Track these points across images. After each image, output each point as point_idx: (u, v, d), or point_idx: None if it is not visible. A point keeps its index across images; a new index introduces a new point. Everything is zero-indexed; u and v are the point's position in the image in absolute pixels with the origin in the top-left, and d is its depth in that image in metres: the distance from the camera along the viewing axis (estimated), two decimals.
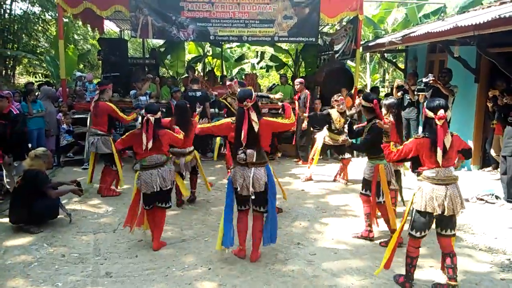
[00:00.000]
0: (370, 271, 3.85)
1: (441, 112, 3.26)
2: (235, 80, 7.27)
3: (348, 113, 6.71)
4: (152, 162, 4.20)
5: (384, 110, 5.04)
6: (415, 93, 7.14)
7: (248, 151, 3.76)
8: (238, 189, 3.85)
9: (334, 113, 6.84)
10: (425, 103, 3.47)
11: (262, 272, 3.82)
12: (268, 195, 3.95)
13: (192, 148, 5.61)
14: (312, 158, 7.00)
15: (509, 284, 3.64)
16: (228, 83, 7.20)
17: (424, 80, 6.92)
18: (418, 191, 3.41)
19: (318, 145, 6.94)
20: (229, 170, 6.95)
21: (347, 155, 6.85)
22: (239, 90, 4.02)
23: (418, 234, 3.44)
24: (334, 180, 7.05)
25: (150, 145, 4.10)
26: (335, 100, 6.82)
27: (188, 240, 4.56)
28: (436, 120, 3.27)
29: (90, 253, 4.23)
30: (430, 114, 3.34)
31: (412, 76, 7.96)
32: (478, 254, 4.26)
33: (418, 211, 3.40)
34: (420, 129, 7.87)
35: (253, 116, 3.77)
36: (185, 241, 4.54)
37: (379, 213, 4.63)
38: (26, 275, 3.75)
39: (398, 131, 4.92)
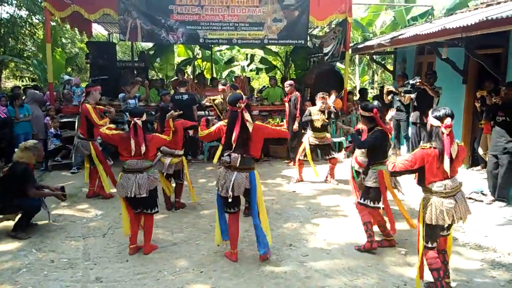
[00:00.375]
0: (363, 271, 3.85)
1: (447, 120, 3.18)
2: (228, 85, 7.25)
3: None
4: (131, 166, 4.09)
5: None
6: (402, 94, 7.21)
7: (233, 155, 3.80)
8: (220, 189, 3.92)
9: (313, 110, 6.80)
10: (429, 112, 3.37)
11: (255, 274, 3.80)
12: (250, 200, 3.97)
13: (181, 152, 5.54)
14: (300, 160, 6.97)
15: (499, 281, 3.67)
16: (220, 87, 7.18)
17: (411, 82, 7.02)
18: (427, 205, 3.30)
19: (306, 147, 6.91)
20: None
21: (334, 155, 6.87)
22: (231, 95, 4.00)
23: (433, 245, 3.38)
24: (325, 181, 7.06)
25: (143, 149, 4.04)
26: (321, 97, 6.74)
27: (179, 244, 4.51)
28: (443, 129, 3.19)
29: (79, 258, 4.16)
30: (436, 123, 3.25)
31: (401, 77, 8.05)
32: (468, 252, 4.29)
33: (428, 225, 3.32)
34: (410, 130, 7.95)
35: (247, 116, 3.80)
36: (176, 244, 4.50)
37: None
38: (15, 281, 3.68)
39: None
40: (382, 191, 4.29)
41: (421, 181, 3.38)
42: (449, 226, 3.39)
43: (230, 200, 3.86)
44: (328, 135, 6.93)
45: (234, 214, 4.04)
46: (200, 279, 3.72)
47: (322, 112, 6.73)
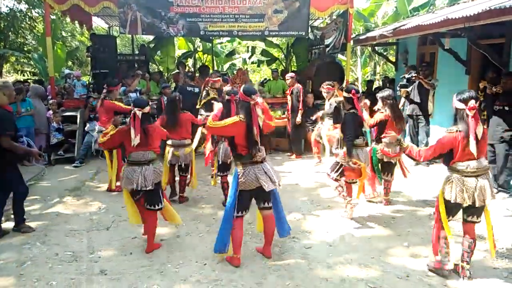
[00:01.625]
0: (365, 263, 3.87)
1: (471, 102, 3.26)
2: (218, 78, 7.12)
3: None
4: (136, 158, 4.02)
5: (380, 103, 5.15)
6: (397, 88, 7.21)
7: (262, 147, 3.73)
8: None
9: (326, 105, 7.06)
10: (454, 96, 3.43)
11: (258, 266, 3.81)
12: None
13: (190, 141, 5.57)
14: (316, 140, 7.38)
15: (502, 272, 3.69)
16: (214, 79, 7.07)
17: (407, 76, 7.02)
18: (448, 182, 3.46)
19: (323, 139, 7.05)
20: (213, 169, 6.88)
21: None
22: (245, 86, 3.85)
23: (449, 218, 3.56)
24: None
25: (137, 140, 3.93)
26: (322, 87, 7.05)
27: (182, 236, 4.54)
28: (467, 111, 3.27)
29: (84, 251, 4.19)
30: (461, 105, 3.32)
31: (410, 69, 8.02)
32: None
33: (447, 201, 3.46)
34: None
35: (258, 111, 3.70)
36: (179, 237, 4.52)
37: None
38: (20, 274, 3.70)
39: (397, 123, 5.00)
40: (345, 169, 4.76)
41: (446, 161, 3.51)
42: (474, 212, 3.46)
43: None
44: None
45: (242, 218, 3.88)
46: (203, 271, 3.74)
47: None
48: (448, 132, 3.44)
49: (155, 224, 4.21)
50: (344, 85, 9.50)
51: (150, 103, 4.33)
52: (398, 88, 7.22)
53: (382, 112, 5.14)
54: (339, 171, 4.86)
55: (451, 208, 3.51)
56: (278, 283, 3.52)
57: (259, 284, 3.52)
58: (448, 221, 3.53)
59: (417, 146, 7.38)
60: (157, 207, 4.14)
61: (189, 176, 5.71)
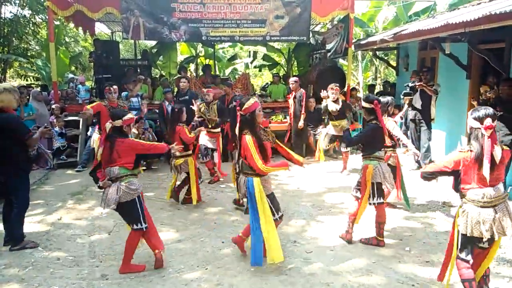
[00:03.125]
0: (367, 268, 3.87)
1: (488, 121, 2.91)
2: (209, 89, 7.10)
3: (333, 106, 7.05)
4: (107, 175, 3.75)
5: None
6: (401, 96, 7.22)
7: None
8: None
9: (329, 103, 7.13)
10: (469, 113, 3.09)
11: (259, 271, 3.81)
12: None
13: (183, 153, 5.47)
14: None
15: (504, 277, 3.68)
16: (203, 90, 7.10)
17: (410, 84, 7.04)
18: (462, 214, 3.07)
19: (320, 144, 7.41)
20: (215, 176, 6.88)
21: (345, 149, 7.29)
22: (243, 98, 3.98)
23: (467, 257, 3.11)
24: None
25: (99, 152, 3.73)
26: (331, 88, 7.13)
27: (184, 241, 4.54)
28: (483, 131, 2.92)
29: (85, 255, 4.20)
30: (476, 124, 2.97)
31: (415, 74, 8.05)
32: None
33: (463, 235, 3.08)
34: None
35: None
36: (181, 241, 4.53)
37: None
38: (21, 279, 3.72)
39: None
40: (362, 185, 4.30)
41: (456, 187, 3.15)
42: (490, 241, 3.07)
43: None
44: (345, 121, 7.26)
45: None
46: (205, 276, 3.74)
47: (335, 101, 7.09)
48: (460, 150, 3.09)
49: (131, 244, 3.83)
50: (345, 89, 9.55)
51: (129, 115, 3.90)
52: (402, 96, 7.25)
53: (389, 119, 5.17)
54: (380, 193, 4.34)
55: (467, 244, 3.10)
56: None
57: None
58: (467, 260, 3.10)
59: (419, 150, 7.39)
60: (135, 227, 3.77)
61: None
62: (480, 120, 2.96)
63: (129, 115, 3.90)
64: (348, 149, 7.32)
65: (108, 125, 3.79)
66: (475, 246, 3.12)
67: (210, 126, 6.74)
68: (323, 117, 8.00)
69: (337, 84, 7.24)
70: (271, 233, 3.71)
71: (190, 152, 5.67)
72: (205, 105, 6.74)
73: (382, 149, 4.46)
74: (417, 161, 7.46)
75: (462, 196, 3.10)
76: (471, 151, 3.00)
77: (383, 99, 5.15)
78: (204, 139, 6.73)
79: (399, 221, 5.07)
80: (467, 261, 3.10)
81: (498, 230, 2.95)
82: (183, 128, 5.50)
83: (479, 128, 2.96)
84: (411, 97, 7.21)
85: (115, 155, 3.71)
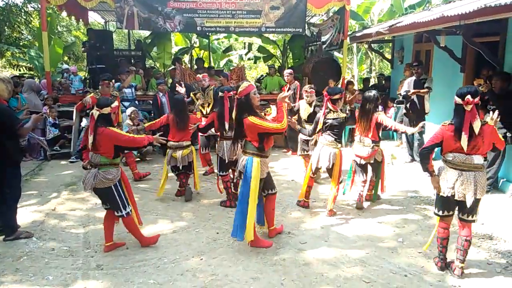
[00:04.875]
0: (360, 259, 3.91)
1: (468, 97, 3.29)
2: (205, 74, 7.09)
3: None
4: (90, 159, 3.89)
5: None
6: (395, 105, 7.24)
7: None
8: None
9: (302, 104, 6.45)
10: (456, 91, 3.46)
11: (253, 261, 3.84)
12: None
13: (189, 142, 5.58)
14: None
15: (495, 268, 3.73)
16: (198, 76, 7.04)
17: (403, 93, 7.07)
18: (439, 173, 3.57)
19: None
20: (211, 167, 6.90)
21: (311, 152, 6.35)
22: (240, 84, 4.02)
23: (440, 213, 3.61)
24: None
25: (90, 140, 3.78)
26: (305, 91, 6.40)
27: (179, 232, 4.55)
28: (464, 106, 3.31)
29: (80, 246, 4.20)
30: (459, 100, 3.37)
31: (408, 66, 8.06)
32: None
33: (438, 195, 3.59)
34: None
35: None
36: (176, 232, 4.54)
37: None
38: (16, 269, 3.71)
39: (362, 124, 5.03)
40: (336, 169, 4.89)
41: (440, 152, 3.59)
42: (464, 209, 3.48)
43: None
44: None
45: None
46: (200, 266, 3.76)
47: (309, 104, 6.36)
48: (442, 124, 3.51)
49: (130, 227, 4.06)
50: (340, 82, 9.56)
51: (115, 103, 4.03)
52: (395, 105, 7.28)
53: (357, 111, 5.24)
54: None
55: (443, 201, 3.56)
56: (273, 278, 3.55)
57: (255, 279, 3.55)
58: (445, 216, 3.61)
59: (412, 142, 7.44)
60: (117, 214, 3.94)
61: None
62: (462, 96, 3.33)
63: (116, 103, 4.07)
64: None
65: (96, 113, 3.83)
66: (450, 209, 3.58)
67: (205, 112, 6.74)
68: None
69: (313, 87, 6.55)
70: (251, 213, 3.91)
71: (190, 143, 5.66)
72: (201, 91, 6.73)
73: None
74: (411, 154, 7.52)
75: (443, 161, 3.55)
76: (451, 124, 3.42)
77: (368, 93, 5.08)
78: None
79: (393, 213, 5.12)
80: (442, 217, 3.62)
81: (458, 191, 3.39)
82: (194, 116, 5.64)
83: (461, 104, 3.33)
84: (404, 105, 7.30)
85: (97, 143, 3.80)
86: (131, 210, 4.02)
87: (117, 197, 3.90)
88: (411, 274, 3.62)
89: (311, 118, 6.19)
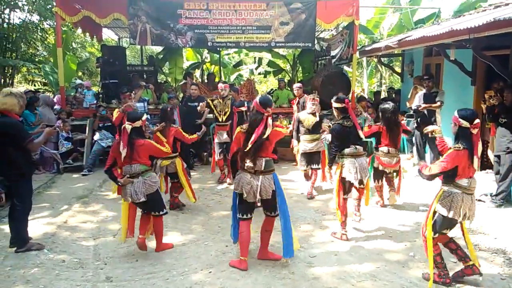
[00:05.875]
0: (370, 273, 3.86)
1: (477, 121, 3.32)
2: (226, 84, 7.38)
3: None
4: (126, 172, 4.13)
5: (380, 114, 5.28)
6: (405, 119, 7.22)
7: (259, 159, 3.82)
8: (245, 195, 3.83)
9: (302, 115, 6.43)
10: (456, 112, 3.47)
11: (262, 274, 3.82)
12: (277, 202, 3.95)
13: (172, 154, 5.28)
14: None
15: (509, 283, 3.65)
16: (220, 85, 7.32)
17: (413, 107, 7.06)
18: (447, 198, 3.44)
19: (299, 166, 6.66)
20: (223, 173, 7.00)
21: (317, 166, 6.38)
22: (260, 96, 4.05)
23: (444, 231, 3.57)
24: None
25: (124, 152, 4.01)
26: (312, 99, 6.37)
27: (188, 244, 4.56)
28: (472, 130, 3.34)
29: (90, 258, 4.23)
30: (465, 123, 3.35)
31: (418, 79, 8.05)
32: (478, 254, 4.27)
33: (444, 216, 3.47)
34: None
35: (270, 121, 3.83)
36: (185, 245, 4.55)
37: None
38: (26, 280, 3.75)
39: (391, 136, 5.22)
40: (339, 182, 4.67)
41: (448, 178, 3.47)
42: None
43: (258, 204, 3.98)
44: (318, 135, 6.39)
45: (247, 221, 3.97)
46: (209, 279, 3.76)
47: (313, 114, 6.33)
48: (455, 149, 3.40)
49: (160, 229, 4.37)
50: (350, 95, 9.57)
51: (145, 116, 4.38)
52: (405, 119, 7.27)
53: (378, 124, 5.32)
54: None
55: (444, 224, 3.51)
56: None
57: None
58: (444, 233, 3.59)
59: (424, 156, 7.38)
60: (159, 213, 4.28)
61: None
62: (469, 120, 3.34)
63: (145, 116, 4.34)
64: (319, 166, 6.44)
65: (128, 127, 4.06)
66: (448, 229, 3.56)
67: (221, 120, 6.91)
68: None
69: (318, 96, 6.69)
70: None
71: (177, 154, 5.61)
72: (219, 99, 6.91)
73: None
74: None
75: (453, 184, 3.44)
76: (465, 149, 3.35)
77: (384, 105, 5.26)
78: None
79: (403, 226, 5.06)
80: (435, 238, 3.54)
81: (469, 214, 3.42)
82: (178, 129, 5.52)
83: (468, 128, 3.34)
84: (414, 119, 7.29)
85: (135, 155, 4.09)
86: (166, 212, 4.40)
87: (160, 197, 4.29)
88: None
89: (316, 128, 6.32)
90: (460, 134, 3.42)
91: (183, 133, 5.55)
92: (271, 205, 3.99)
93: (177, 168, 5.51)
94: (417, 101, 7.29)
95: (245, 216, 3.96)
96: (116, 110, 6.23)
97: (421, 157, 7.49)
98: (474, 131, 3.33)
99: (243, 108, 5.56)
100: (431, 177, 3.58)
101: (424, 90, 7.30)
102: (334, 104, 4.75)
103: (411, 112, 7.28)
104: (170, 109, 5.59)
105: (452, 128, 3.55)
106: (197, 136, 5.73)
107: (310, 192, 6.34)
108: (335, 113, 4.82)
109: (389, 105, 5.34)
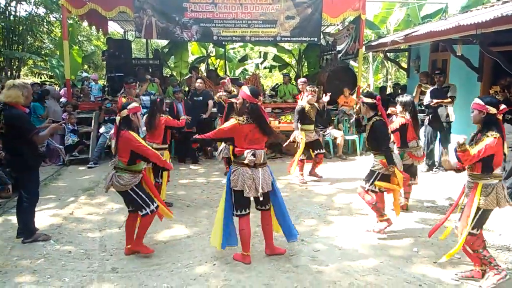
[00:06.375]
0: (374, 268, 3.87)
1: (503, 106, 3.31)
2: (228, 78, 7.41)
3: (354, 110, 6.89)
4: (113, 164, 4.02)
5: (399, 107, 5.16)
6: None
7: (258, 151, 3.76)
8: (247, 190, 3.75)
9: (306, 105, 6.74)
10: (479, 100, 3.41)
11: (266, 267, 3.85)
12: (272, 193, 3.97)
13: (161, 146, 5.32)
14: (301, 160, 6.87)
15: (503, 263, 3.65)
16: (222, 81, 7.40)
17: (425, 103, 7.01)
18: (491, 191, 3.33)
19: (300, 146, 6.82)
20: (227, 167, 7.03)
21: (322, 150, 6.89)
22: (246, 88, 3.89)
23: (479, 231, 3.41)
24: (310, 174, 7.17)
25: (113, 144, 3.93)
26: (312, 91, 6.69)
27: (193, 237, 4.60)
28: (499, 116, 3.32)
29: (96, 249, 4.28)
30: (493, 110, 3.31)
31: (424, 75, 8.00)
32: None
33: (485, 210, 3.36)
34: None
35: (264, 110, 3.84)
36: (190, 237, 4.59)
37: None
38: (33, 270, 3.80)
39: (415, 129, 5.07)
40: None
41: (487, 169, 3.36)
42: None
43: (261, 198, 3.79)
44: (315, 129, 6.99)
45: (246, 216, 3.92)
46: (213, 271, 3.79)
47: (311, 105, 6.70)
48: (493, 136, 3.29)
49: (142, 226, 4.05)
50: (355, 90, 9.55)
51: (133, 104, 4.01)
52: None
53: (403, 117, 5.14)
54: (373, 181, 4.54)
55: (484, 218, 3.40)
56: (286, 285, 3.55)
57: (267, 285, 3.55)
58: (478, 234, 3.42)
59: (433, 153, 7.32)
60: (141, 213, 3.97)
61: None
62: (496, 106, 3.30)
63: (134, 104, 4.01)
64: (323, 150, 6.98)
65: (117, 118, 3.93)
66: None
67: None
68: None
69: (315, 88, 6.91)
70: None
71: (167, 146, 5.58)
72: (225, 94, 7.06)
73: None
74: (428, 164, 7.43)
75: (491, 176, 3.35)
76: (500, 136, 3.29)
77: (405, 98, 5.14)
78: None
79: (408, 223, 5.07)
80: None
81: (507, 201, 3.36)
82: (168, 117, 5.46)
83: (495, 114, 3.30)
84: (426, 114, 7.24)
85: (118, 147, 3.88)
86: (157, 207, 4.01)
87: (137, 198, 3.93)
88: (426, 284, 3.57)
89: (317, 119, 6.81)
90: (489, 121, 3.35)
91: (172, 119, 5.51)
92: (266, 198, 3.92)
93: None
94: (428, 97, 7.23)
95: (244, 212, 3.89)
96: (119, 96, 6.30)
97: (428, 155, 7.42)
98: (500, 117, 3.32)
99: (234, 100, 5.45)
100: (469, 163, 3.37)
101: (431, 87, 7.26)
102: (365, 99, 4.50)
103: (424, 108, 7.24)
104: (160, 100, 5.44)
105: (474, 116, 3.44)
106: (184, 120, 5.80)
107: (316, 174, 7.03)
108: (363, 108, 4.57)
109: (409, 97, 5.18)
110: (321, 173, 7.26)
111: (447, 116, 6.99)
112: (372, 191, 4.56)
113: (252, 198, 3.90)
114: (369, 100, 4.46)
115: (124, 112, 3.91)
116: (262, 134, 3.80)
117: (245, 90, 3.84)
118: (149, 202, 3.96)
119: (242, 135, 3.76)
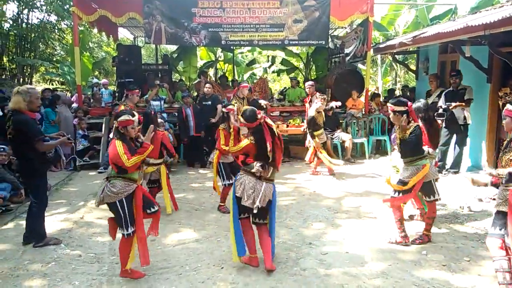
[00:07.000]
0: (382, 271, 3.85)
1: None
2: (247, 84, 7.47)
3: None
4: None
5: None
6: (435, 117, 7.12)
7: (269, 166, 3.75)
8: (245, 199, 3.72)
9: (314, 113, 7.17)
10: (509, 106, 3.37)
11: (274, 270, 3.85)
12: (270, 210, 3.93)
13: (157, 161, 5.33)
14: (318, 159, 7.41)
15: None
16: (243, 84, 7.49)
17: (443, 106, 6.93)
18: None
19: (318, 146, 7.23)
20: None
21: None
22: (242, 113, 3.86)
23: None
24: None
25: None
26: (322, 98, 7.22)
27: (201, 240, 4.63)
28: None
29: (105, 253, 4.33)
30: None
31: (434, 77, 7.94)
32: (486, 253, 4.21)
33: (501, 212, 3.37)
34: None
35: (269, 120, 3.81)
36: (198, 241, 4.61)
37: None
38: (44, 274, 3.86)
39: (429, 135, 4.71)
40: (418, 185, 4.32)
41: None
42: None
43: (255, 211, 3.74)
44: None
45: (248, 219, 3.93)
46: (221, 274, 3.81)
47: (318, 112, 7.15)
48: None
49: (121, 249, 3.76)
50: (364, 93, 9.52)
51: (123, 117, 3.74)
52: (436, 118, 7.18)
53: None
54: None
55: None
56: None
57: None
58: None
59: (446, 153, 7.23)
60: (122, 231, 3.70)
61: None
62: None
63: (126, 117, 3.70)
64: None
65: (114, 125, 3.82)
66: None
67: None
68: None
69: (325, 96, 7.47)
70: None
71: (162, 160, 5.54)
72: (238, 99, 7.02)
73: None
74: (438, 167, 7.34)
75: None
76: None
77: (416, 103, 4.82)
78: None
79: (416, 225, 5.03)
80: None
81: None
82: (165, 135, 5.47)
83: None
84: (444, 118, 7.15)
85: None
86: (133, 233, 3.69)
87: (121, 213, 3.65)
88: (434, 287, 3.55)
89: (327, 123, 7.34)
90: None
91: (169, 141, 5.56)
92: (263, 212, 3.88)
93: (160, 175, 5.49)
94: (443, 99, 7.16)
95: (246, 215, 3.91)
96: (120, 104, 6.36)
97: (442, 157, 7.32)
98: None
99: (231, 107, 5.44)
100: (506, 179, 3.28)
101: (445, 90, 7.20)
102: (395, 108, 4.20)
103: (441, 111, 7.17)
104: (154, 113, 5.41)
105: (507, 123, 3.38)
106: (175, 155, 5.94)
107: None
108: (394, 118, 4.29)
109: (421, 102, 4.83)
110: (329, 176, 7.31)
111: (464, 118, 6.92)
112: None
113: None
114: (401, 108, 4.18)
115: (115, 123, 3.78)
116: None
117: (241, 118, 3.84)
118: (129, 225, 3.67)
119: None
